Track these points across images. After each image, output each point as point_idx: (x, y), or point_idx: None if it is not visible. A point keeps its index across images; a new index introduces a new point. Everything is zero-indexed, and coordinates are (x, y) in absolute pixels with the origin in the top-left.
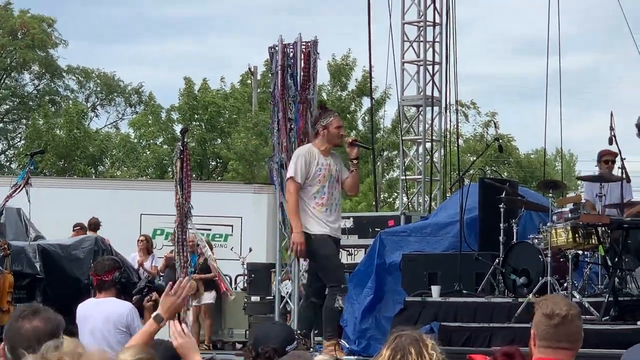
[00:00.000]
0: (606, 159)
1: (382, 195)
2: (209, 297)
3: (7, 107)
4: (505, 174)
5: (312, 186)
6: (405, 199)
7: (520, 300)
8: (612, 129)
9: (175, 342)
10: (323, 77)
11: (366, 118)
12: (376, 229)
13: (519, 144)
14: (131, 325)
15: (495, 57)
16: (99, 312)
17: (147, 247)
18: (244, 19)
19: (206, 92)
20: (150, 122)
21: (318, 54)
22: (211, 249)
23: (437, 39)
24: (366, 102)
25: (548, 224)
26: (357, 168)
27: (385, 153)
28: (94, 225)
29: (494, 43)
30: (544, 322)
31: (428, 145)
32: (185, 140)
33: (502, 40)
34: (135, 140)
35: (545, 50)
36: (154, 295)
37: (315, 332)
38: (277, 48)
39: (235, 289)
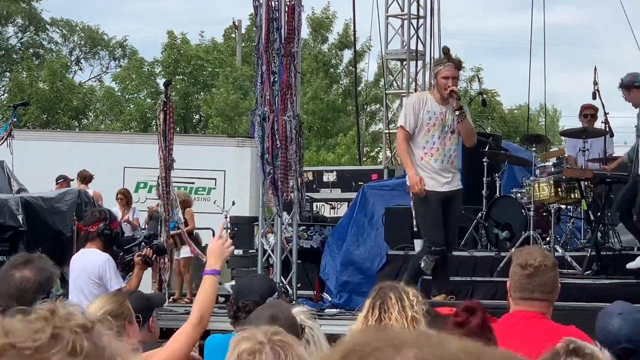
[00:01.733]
0: (586, 113)
1: (365, 149)
2: (187, 251)
3: None
4: (489, 128)
5: (421, 135)
6: (388, 153)
7: (502, 254)
8: (595, 83)
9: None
10: (303, 30)
11: (346, 71)
12: (359, 183)
13: (503, 99)
14: (103, 276)
15: (481, 12)
16: (79, 263)
17: (126, 201)
18: None
19: (188, 45)
20: (133, 76)
21: (302, 7)
22: (189, 205)
23: None
24: (347, 55)
25: (531, 178)
26: (461, 119)
27: (369, 106)
28: (85, 177)
29: None
30: (517, 272)
31: None
32: (168, 92)
33: None
34: (119, 94)
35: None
36: (146, 250)
37: (299, 285)
38: (261, 1)
39: None
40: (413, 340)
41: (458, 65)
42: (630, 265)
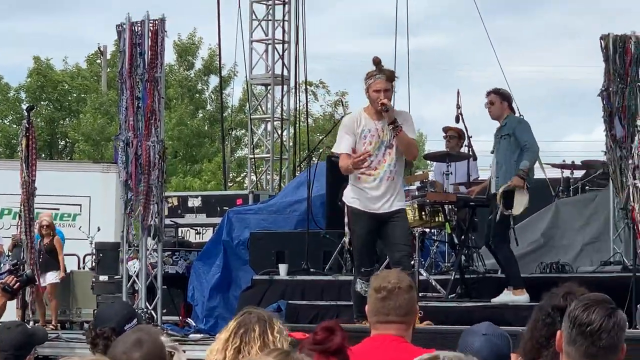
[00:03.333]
0: (446, 134)
1: (231, 174)
2: (53, 277)
3: None
4: None
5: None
6: (253, 178)
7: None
8: (458, 107)
9: None
10: (169, 56)
11: (212, 96)
12: (224, 208)
13: None
14: None
15: (347, 36)
16: None
17: None
18: None
19: (53, 71)
20: None
21: (166, 32)
22: (53, 230)
23: (287, 18)
24: (213, 81)
25: None
26: (397, 133)
27: (234, 132)
28: None
29: (346, 22)
30: (372, 296)
31: (277, 124)
32: (30, 118)
33: (355, 20)
34: None
35: (398, 31)
36: (7, 278)
37: (164, 311)
38: (124, 26)
39: (84, 268)
40: None
41: (390, 76)
42: (495, 300)
